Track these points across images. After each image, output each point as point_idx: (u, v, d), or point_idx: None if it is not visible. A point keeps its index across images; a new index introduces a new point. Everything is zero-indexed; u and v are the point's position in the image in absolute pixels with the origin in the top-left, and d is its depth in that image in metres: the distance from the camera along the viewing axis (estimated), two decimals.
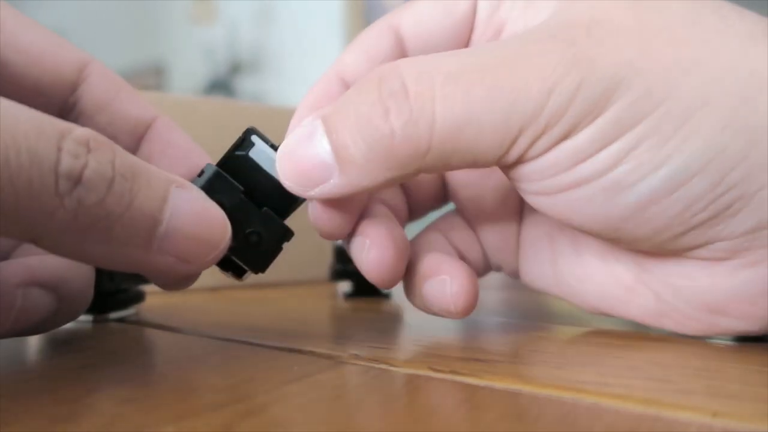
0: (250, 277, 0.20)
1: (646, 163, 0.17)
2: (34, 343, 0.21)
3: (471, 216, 0.25)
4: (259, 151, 0.20)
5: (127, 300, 0.27)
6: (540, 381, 0.16)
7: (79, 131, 0.14)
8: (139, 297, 0.28)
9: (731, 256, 0.19)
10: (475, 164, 0.18)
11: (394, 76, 0.18)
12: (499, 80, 0.17)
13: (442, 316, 0.21)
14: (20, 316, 0.17)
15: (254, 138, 0.20)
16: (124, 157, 0.15)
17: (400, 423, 0.13)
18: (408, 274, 0.22)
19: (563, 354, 0.20)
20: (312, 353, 0.20)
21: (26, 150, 0.13)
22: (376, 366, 0.18)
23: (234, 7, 2.94)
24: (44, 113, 0.14)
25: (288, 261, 0.41)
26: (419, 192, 0.25)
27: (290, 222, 0.20)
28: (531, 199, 0.20)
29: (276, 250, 0.20)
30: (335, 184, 0.18)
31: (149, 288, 0.28)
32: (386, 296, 0.33)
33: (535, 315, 0.29)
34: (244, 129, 0.20)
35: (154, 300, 0.31)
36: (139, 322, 0.25)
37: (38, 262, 0.18)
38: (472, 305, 0.21)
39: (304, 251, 0.38)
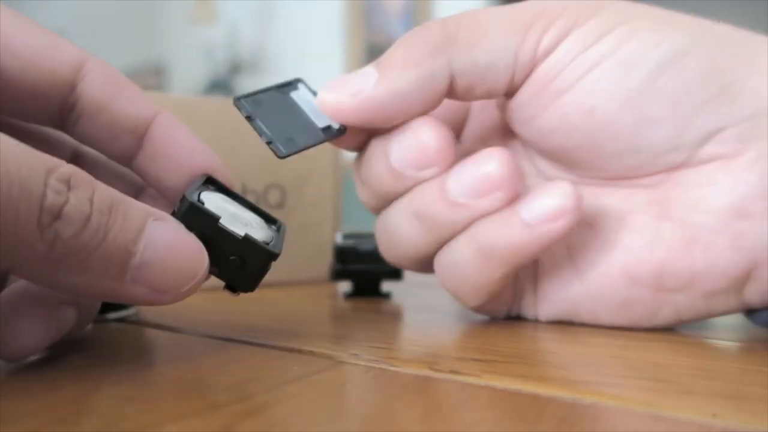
0: None
1: (648, 40, 0.21)
2: None
3: None
4: (299, 94, 0.23)
5: None
6: (540, 381, 0.16)
7: (63, 169, 0.15)
8: None
9: (742, 148, 0.21)
10: (493, 68, 0.22)
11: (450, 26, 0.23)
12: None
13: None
14: (57, 332, 0.18)
15: (300, 84, 0.24)
16: (102, 192, 0.16)
17: (400, 423, 0.13)
18: None
19: (563, 354, 0.20)
20: (312, 353, 0.20)
21: (18, 183, 0.14)
22: (376, 366, 0.18)
23: (234, 7, 2.94)
24: (34, 149, 0.15)
25: (288, 261, 0.41)
26: None
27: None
28: (530, 126, 0.23)
29: (262, 272, 0.19)
30: (373, 87, 0.22)
31: None
32: (386, 296, 0.33)
33: None
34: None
35: None
36: (139, 322, 0.25)
37: None
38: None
39: (304, 251, 0.38)
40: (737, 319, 0.26)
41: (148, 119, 0.21)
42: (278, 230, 0.21)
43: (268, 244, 0.19)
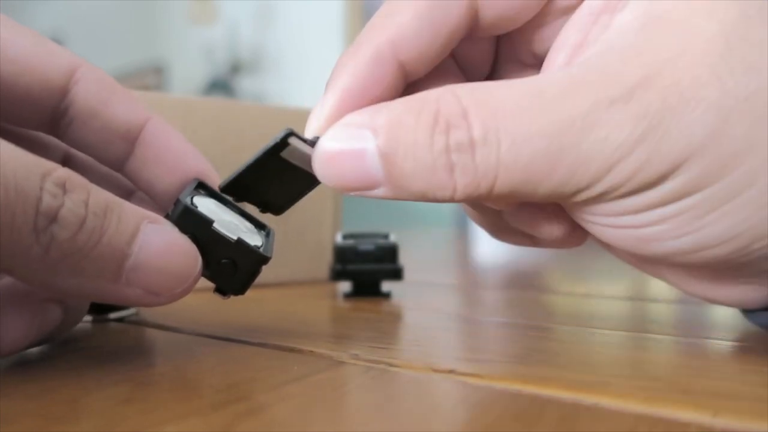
0: None
1: (684, 226, 0.18)
2: None
3: None
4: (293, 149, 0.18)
5: None
6: (540, 381, 0.16)
7: (58, 172, 0.15)
8: None
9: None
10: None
11: (458, 117, 0.17)
12: (564, 150, 0.17)
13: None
14: (39, 330, 0.18)
15: (292, 139, 0.18)
16: (97, 195, 0.16)
17: (400, 423, 0.13)
18: None
19: (563, 354, 0.20)
20: (312, 353, 0.20)
21: (14, 187, 0.14)
22: (376, 366, 0.18)
23: (234, 7, 2.94)
24: (30, 153, 0.15)
25: (288, 261, 0.41)
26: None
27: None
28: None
29: (253, 275, 0.20)
30: (380, 193, 0.18)
31: None
32: (386, 296, 0.33)
33: (535, 315, 0.29)
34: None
35: None
36: (138, 322, 0.25)
37: None
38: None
39: (304, 251, 0.38)
40: (737, 319, 0.26)
41: (139, 124, 0.21)
42: (267, 236, 0.21)
43: (259, 248, 0.19)
